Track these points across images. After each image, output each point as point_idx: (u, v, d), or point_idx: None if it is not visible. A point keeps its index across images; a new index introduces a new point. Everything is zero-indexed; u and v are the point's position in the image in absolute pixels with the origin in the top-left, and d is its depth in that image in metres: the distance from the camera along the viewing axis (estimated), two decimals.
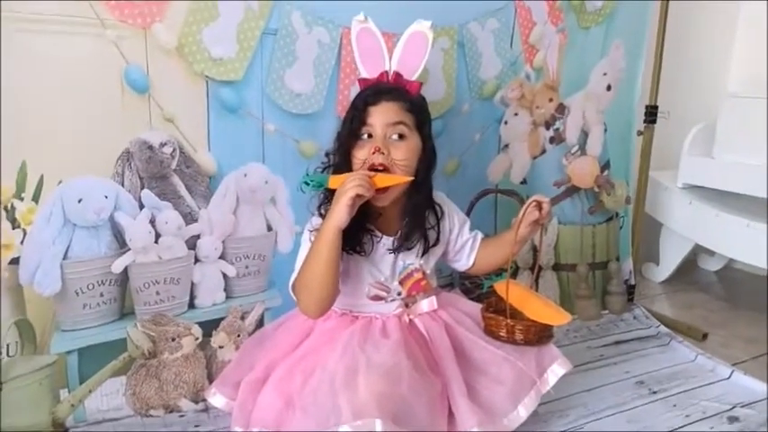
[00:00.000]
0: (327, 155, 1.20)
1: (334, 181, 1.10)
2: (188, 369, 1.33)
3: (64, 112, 1.17)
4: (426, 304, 1.24)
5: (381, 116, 1.12)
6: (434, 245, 1.23)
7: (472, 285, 1.66)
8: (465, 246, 1.30)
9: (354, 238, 1.15)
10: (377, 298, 1.21)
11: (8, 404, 1.21)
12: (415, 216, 1.19)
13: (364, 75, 1.19)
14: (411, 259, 1.22)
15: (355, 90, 1.37)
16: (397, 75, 1.17)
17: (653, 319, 1.84)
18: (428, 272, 1.24)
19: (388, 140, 1.12)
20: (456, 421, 1.14)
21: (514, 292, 1.23)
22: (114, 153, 1.23)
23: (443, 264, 1.35)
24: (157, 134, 1.24)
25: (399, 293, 1.22)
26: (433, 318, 1.23)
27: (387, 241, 1.19)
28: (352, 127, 1.13)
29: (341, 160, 1.15)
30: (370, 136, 1.13)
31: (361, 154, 1.13)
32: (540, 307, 1.22)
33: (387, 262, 1.20)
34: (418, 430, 1.03)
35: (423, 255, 1.22)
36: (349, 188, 1.04)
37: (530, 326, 1.20)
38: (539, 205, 1.18)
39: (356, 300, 1.21)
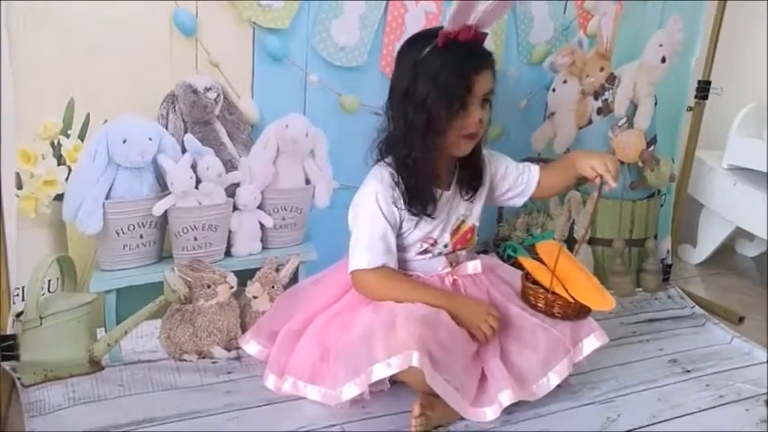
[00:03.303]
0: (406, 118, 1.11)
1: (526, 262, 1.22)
2: (222, 317, 1.34)
3: (112, 51, 1.16)
4: (471, 266, 1.24)
5: (482, 86, 1.10)
6: (473, 193, 1.23)
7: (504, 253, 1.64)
8: (520, 179, 1.28)
9: (420, 200, 1.15)
10: (424, 252, 1.21)
11: (46, 339, 1.23)
12: (470, 168, 1.20)
13: (448, 28, 1.09)
14: (461, 210, 1.23)
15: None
16: (477, 28, 1.09)
17: (688, 300, 1.80)
18: (476, 224, 1.25)
19: (481, 107, 1.12)
20: (488, 383, 1.14)
21: (560, 263, 1.19)
22: (160, 95, 1.22)
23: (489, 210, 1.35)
24: (203, 78, 1.23)
25: (446, 245, 1.22)
26: (476, 282, 1.23)
27: (444, 195, 1.19)
28: (456, 97, 1.08)
29: (435, 127, 1.09)
30: (464, 103, 1.10)
31: (459, 124, 1.10)
32: (584, 285, 1.18)
33: (441, 215, 1.20)
34: (453, 378, 1.03)
35: (471, 198, 1.22)
36: (489, 324, 1.11)
37: (569, 303, 1.16)
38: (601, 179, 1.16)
39: (404, 255, 1.20)
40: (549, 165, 1.30)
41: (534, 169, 1.28)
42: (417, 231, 1.18)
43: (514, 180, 1.28)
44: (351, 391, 1.08)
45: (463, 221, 1.24)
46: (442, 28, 1.09)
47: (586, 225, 1.18)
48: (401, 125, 1.11)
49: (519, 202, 1.31)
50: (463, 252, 1.25)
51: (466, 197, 1.22)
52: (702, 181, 2.07)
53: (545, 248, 1.23)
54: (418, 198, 1.14)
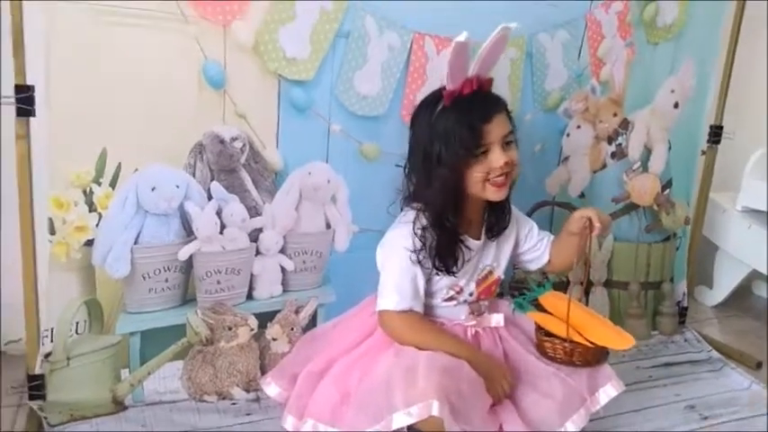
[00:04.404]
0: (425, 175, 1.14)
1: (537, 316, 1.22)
2: (242, 358, 1.37)
3: (144, 103, 1.22)
4: (494, 320, 1.25)
5: (497, 131, 1.11)
6: (505, 229, 1.25)
7: (520, 296, 1.65)
8: (539, 244, 1.30)
9: (450, 254, 1.16)
10: (450, 299, 1.23)
11: (72, 379, 1.27)
12: (498, 211, 1.23)
13: (450, 87, 1.11)
14: (488, 260, 1.25)
15: (422, 95, 1.38)
16: (478, 78, 1.12)
17: (705, 344, 1.80)
18: (501, 276, 1.27)
19: (503, 150, 1.13)
20: None
21: (571, 311, 1.19)
22: (188, 145, 1.27)
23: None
24: (229, 129, 1.28)
25: (471, 294, 1.24)
26: (494, 336, 1.24)
27: (473, 244, 1.21)
28: (470, 149, 1.09)
29: (452, 180, 1.11)
30: (484, 152, 1.12)
31: (479, 170, 1.12)
32: (599, 328, 1.19)
33: (469, 264, 1.21)
34: (472, 429, 1.04)
35: (497, 237, 1.24)
36: (504, 386, 1.14)
37: (589, 348, 1.16)
38: (590, 224, 1.16)
39: (430, 300, 1.22)
40: (554, 239, 1.30)
41: (550, 237, 1.30)
42: (446, 279, 1.20)
43: (534, 243, 1.30)
44: None
45: (490, 272, 1.25)
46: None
47: (584, 272, 1.23)
48: (426, 186, 1.13)
49: (533, 267, 1.33)
50: (485, 302, 1.27)
51: (492, 239, 1.24)
52: (717, 223, 2.08)
53: (550, 300, 1.24)
54: (446, 255, 1.16)
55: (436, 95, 1.14)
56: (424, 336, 1.16)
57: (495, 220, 1.23)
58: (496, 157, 1.11)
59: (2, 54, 1.18)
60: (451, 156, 1.09)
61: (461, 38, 1.06)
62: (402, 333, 1.16)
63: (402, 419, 1.03)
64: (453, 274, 1.18)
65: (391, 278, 1.17)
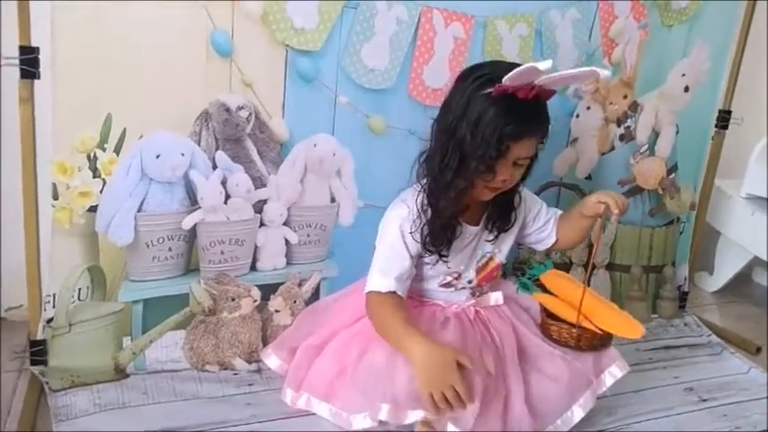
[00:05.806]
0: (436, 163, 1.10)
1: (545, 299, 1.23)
2: (244, 330, 1.37)
3: (151, 69, 1.20)
4: (493, 299, 1.24)
5: (519, 152, 1.07)
6: (509, 229, 1.22)
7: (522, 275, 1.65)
8: (546, 225, 1.27)
9: (442, 234, 1.13)
10: (447, 285, 1.21)
11: (74, 345, 1.27)
12: (503, 206, 1.19)
13: (506, 83, 1.01)
14: (488, 248, 1.22)
15: (429, 70, 1.39)
16: (539, 89, 1.03)
17: (704, 328, 1.80)
18: (503, 262, 1.25)
19: (512, 167, 1.09)
20: (509, 422, 1.12)
21: (578, 295, 1.18)
22: (194, 113, 1.26)
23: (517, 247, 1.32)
24: (235, 98, 1.26)
25: (470, 281, 1.23)
26: (500, 314, 1.23)
27: (470, 230, 1.18)
28: (489, 157, 1.05)
29: (464, 172, 1.08)
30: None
31: (485, 178, 1.09)
32: (609, 315, 1.18)
33: (467, 250, 1.20)
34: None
35: (496, 238, 1.21)
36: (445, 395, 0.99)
37: (596, 334, 1.16)
38: (607, 208, 1.13)
39: (426, 285, 1.21)
40: (563, 216, 1.27)
41: (554, 221, 1.27)
42: (441, 264, 1.17)
43: (541, 225, 1.27)
44: (360, 422, 1.09)
45: (491, 258, 1.23)
46: (511, 66, 1.01)
47: (592, 254, 1.21)
48: (439, 159, 1.10)
49: (539, 247, 1.30)
50: (486, 286, 1.26)
51: (489, 238, 1.21)
52: (721, 209, 2.07)
53: (551, 280, 1.23)
54: (438, 234, 1.12)
55: (494, 74, 1.03)
56: (384, 323, 1.10)
57: (498, 216, 1.20)
58: (500, 172, 1.08)
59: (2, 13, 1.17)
60: (468, 149, 1.05)
61: (542, 66, 0.98)
62: (373, 316, 1.12)
63: (388, 413, 1.02)
64: (442, 257, 1.15)
65: (379, 260, 1.15)
